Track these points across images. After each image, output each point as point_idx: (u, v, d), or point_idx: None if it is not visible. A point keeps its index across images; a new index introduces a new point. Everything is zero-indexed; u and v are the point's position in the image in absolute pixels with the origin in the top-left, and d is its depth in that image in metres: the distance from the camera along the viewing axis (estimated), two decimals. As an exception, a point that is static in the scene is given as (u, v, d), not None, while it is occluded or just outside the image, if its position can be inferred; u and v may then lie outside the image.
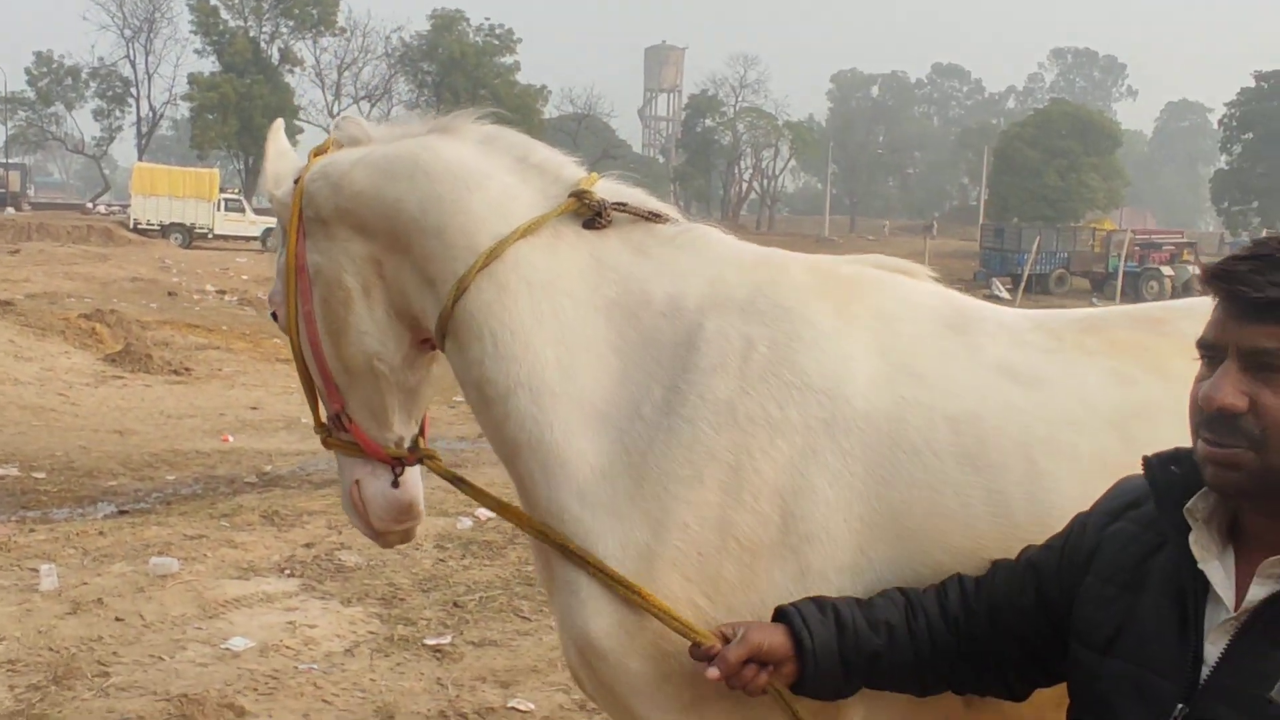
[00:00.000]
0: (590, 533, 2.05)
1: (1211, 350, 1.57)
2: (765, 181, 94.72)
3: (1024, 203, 69.09)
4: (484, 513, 8.07)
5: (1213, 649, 1.54)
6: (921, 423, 2.04)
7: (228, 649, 5.39)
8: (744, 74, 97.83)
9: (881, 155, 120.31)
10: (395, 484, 2.41)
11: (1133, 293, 36.58)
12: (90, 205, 66.73)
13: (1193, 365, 1.61)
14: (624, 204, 2.28)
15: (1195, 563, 1.59)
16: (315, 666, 5.25)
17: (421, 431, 2.49)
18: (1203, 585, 1.58)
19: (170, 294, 26.08)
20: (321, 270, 2.36)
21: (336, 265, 2.34)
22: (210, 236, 46.82)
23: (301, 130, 78.21)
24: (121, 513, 8.47)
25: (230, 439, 11.40)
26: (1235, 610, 1.53)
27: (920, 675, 1.91)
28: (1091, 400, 2.09)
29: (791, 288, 2.19)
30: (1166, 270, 41.31)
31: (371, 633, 5.70)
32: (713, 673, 1.86)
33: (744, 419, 2.03)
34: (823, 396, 2.05)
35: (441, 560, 6.92)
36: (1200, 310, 1.73)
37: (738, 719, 2.03)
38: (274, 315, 2.58)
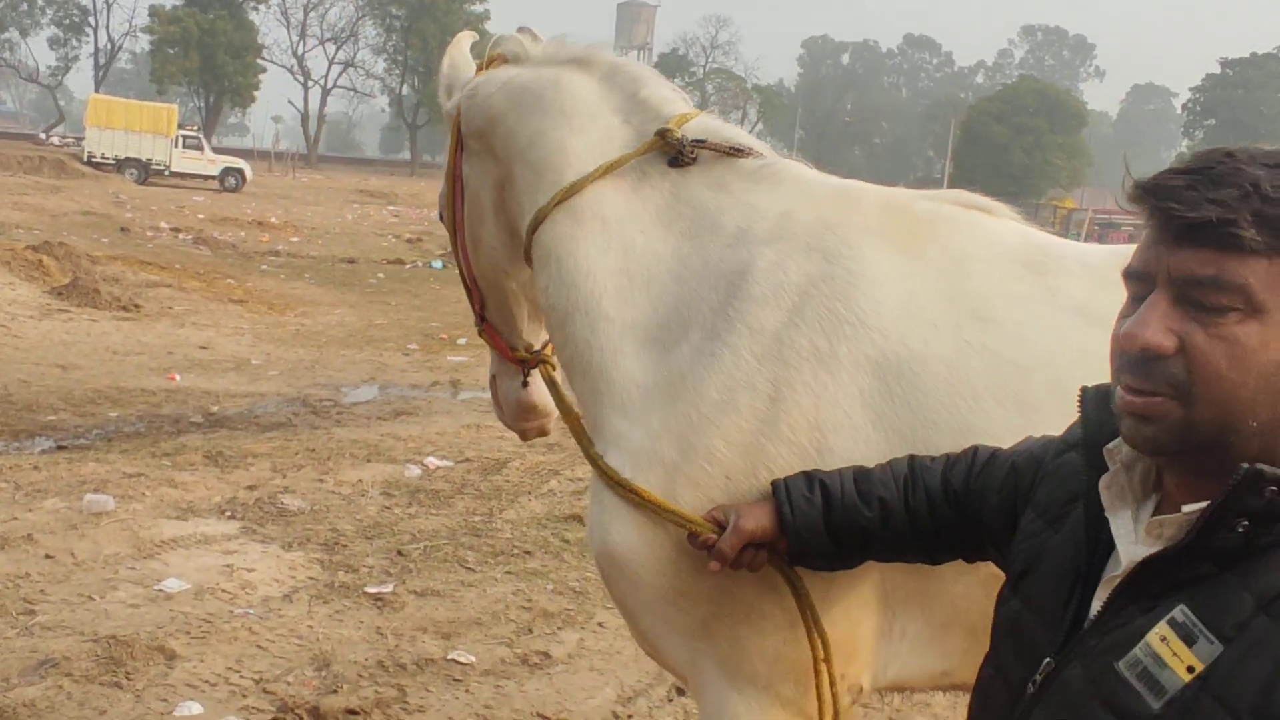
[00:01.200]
0: (618, 440, 2.08)
1: (1138, 280, 1.32)
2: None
3: (988, 178, 69.36)
4: (433, 461, 7.96)
5: (1096, 605, 1.39)
6: (985, 369, 1.98)
7: (161, 590, 5.24)
8: (715, 35, 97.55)
9: (849, 124, 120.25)
10: (524, 384, 2.73)
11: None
12: (43, 136, 65.08)
13: None
14: (703, 141, 2.31)
15: (1103, 510, 1.43)
16: (251, 611, 5.11)
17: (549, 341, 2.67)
18: (1108, 535, 1.42)
19: (123, 230, 25.51)
20: (469, 183, 2.62)
21: (478, 181, 2.58)
22: (167, 174, 45.78)
23: (264, 70, 76.93)
24: (59, 448, 8.25)
25: (177, 378, 11.15)
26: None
27: (925, 547, 1.85)
28: None
29: (860, 224, 2.15)
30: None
31: (311, 579, 5.57)
32: (714, 566, 1.88)
33: (789, 351, 2.00)
34: (876, 334, 2.00)
35: (387, 508, 6.79)
36: None
37: (751, 640, 2.01)
38: (440, 215, 2.84)
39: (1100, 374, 1.71)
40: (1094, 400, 1.51)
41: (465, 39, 2.84)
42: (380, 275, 21.86)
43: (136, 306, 15.22)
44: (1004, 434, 1.88)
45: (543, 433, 2.85)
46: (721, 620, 2.02)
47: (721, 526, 1.89)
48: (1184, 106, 76.97)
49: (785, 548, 1.89)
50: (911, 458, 1.88)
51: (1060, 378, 1.94)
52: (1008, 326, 2.02)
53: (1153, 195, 1.29)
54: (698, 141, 2.29)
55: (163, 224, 27.63)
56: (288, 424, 9.57)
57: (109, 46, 77.07)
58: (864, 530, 1.83)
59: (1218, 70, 71.38)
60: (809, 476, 1.88)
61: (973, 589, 1.98)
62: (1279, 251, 1.23)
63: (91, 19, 76.24)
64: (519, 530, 6.51)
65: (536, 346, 2.72)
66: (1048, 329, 2.03)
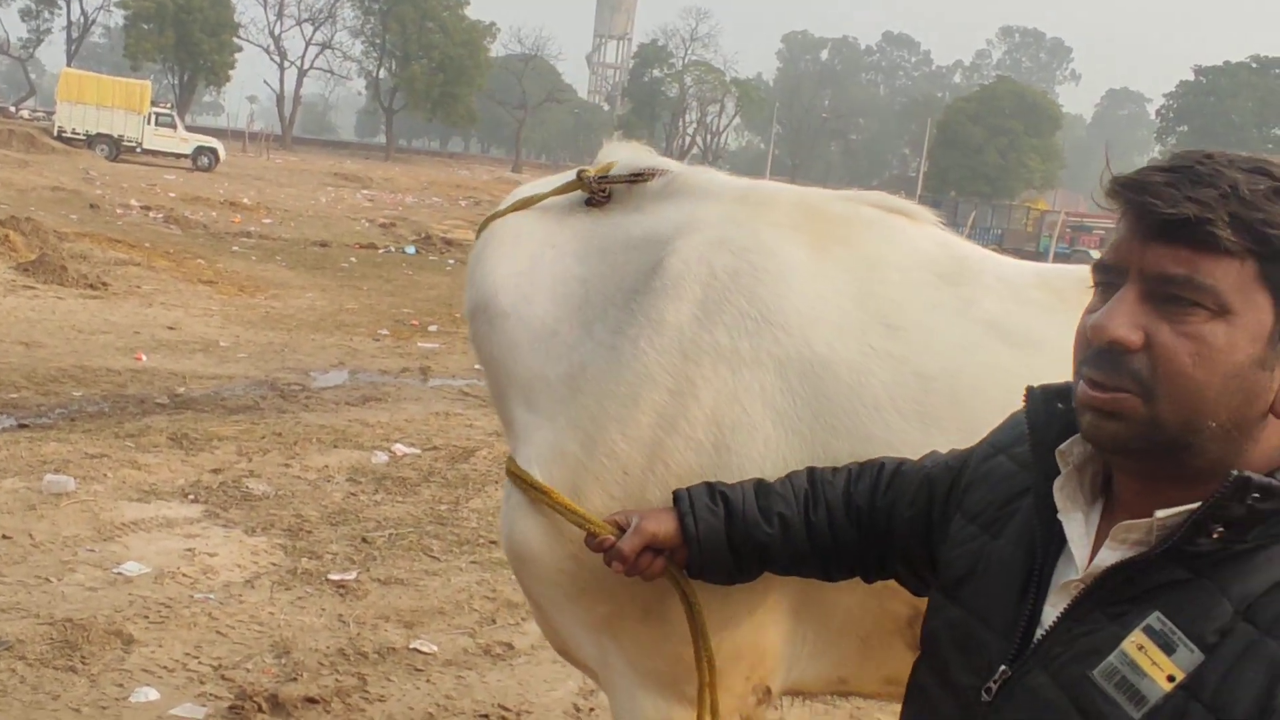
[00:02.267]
0: (525, 436, 2.08)
1: (1109, 274, 1.31)
2: (709, 137, 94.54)
3: (962, 177, 69.80)
4: (400, 448, 7.91)
5: (1051, 611, 1.36)
6: (889, 377, 1.95)
7: (120, 574, 5.17)
8: (695, 27, 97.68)
9: (826, 120, 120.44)
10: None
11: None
12: (13, 109, 64.12)
13: None
14: (606, 176, 2.29)
15: (1056, 511, 1.40)
16: (212, 596, 5.06)
17: None
18: (1058, 538, 1.40)
19: (92, 206, 25.19)
20: None
21: None
22: (139, 151, 45.26)
23: (240, 49, 76.22)
24: (21, 426, 8.12)
25: (143, 358, 11.02)
26: (1083, 573, 1.35)
27: (822, 564, 1.83)
28: None
29: (771, 221, 2.12)
30: (1095, 253, 41.48)
31: (274, 564, 5.52)
32: (616, 567, 1.86)
33: (690, 345, 1.97)
34: (780, 333, 1.97)
35: (353, 495, 6.74)
36: None
37: (653, 641, 2.00)
38: None
39: (1007, 390, 1.72)
40: (1041, 400, 1.50)
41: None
42: (353, 259, 21.69)
43: (104, 285, 15.03)
44: (902, 444, 1.87)
45: None
46: (625, 619, 2.01)
47: (622, 530, 1.87)
48: (1157, 112, 77.55)
49: (683, 558, 1.86)
50: (812, 471, 1.85)
51: (963, 391, 1.92)
52: (915, 335, 1.99)
53: (1132, 190, 1.29)
54: (602, 178, 2.28)
55: (133, 202, 27.31)
56: (255, 407, 9.47)
57: (82, 20, 76.12)
58: (763, 546, 1.81)
59: (1191, 78, 71.94)
60: (711, 488, 1.85)
61: (866, 599, 1.98)
62: (1251, 254, 1.23)
63: (65, -8, 75.24)
64: (485, 520, 6.48)
65: None
66: (956, 341, 2.00)
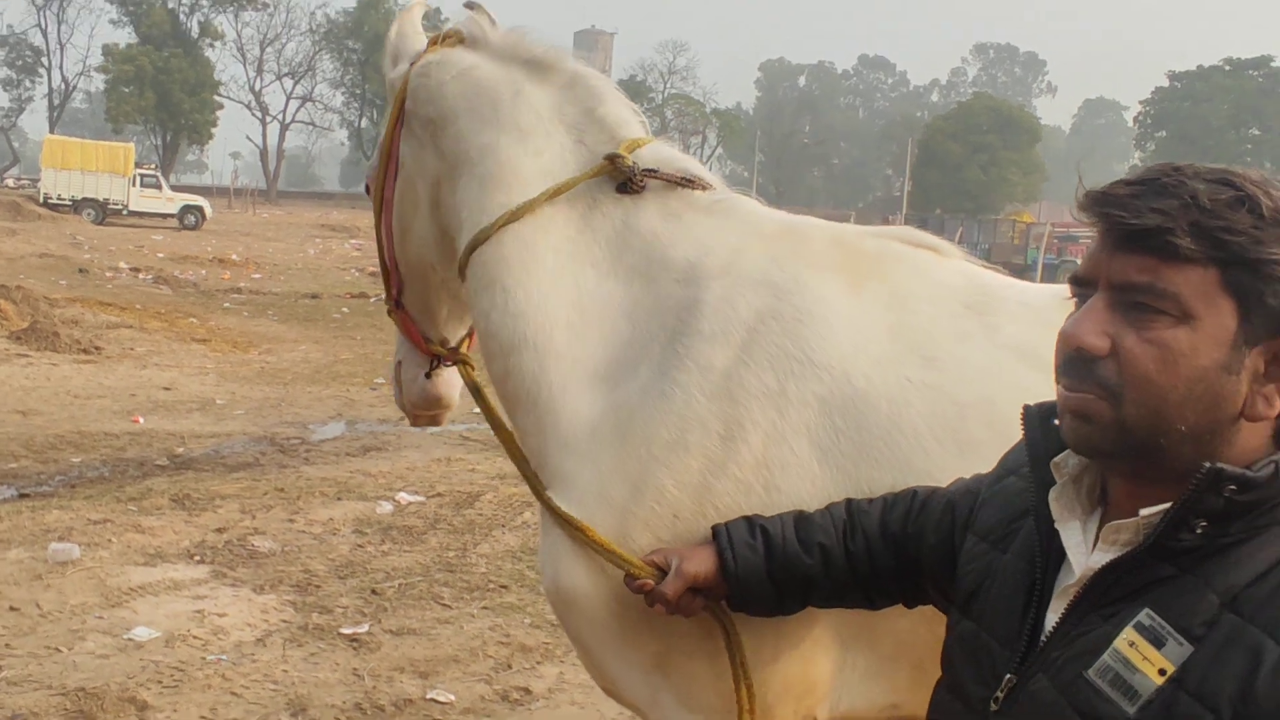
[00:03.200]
0: (565, 479, 2.06)
1: (1082, 286, 1.37)
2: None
3: (946, 195, 70.21)
4: (405, 496, 7.88)
5: (1052, 617, 1.41)
6: (926, 407, 1.99)
7: (130, 639, 5.13)
8: (673, 60, 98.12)
9: (807, 145, 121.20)
10: (428, 375, 2.64)
11: (1051, 283, 37.15)
12: (-2, 178, 64.37)
13: None
14: (655, 170, 2.26)
15: (1054, 522, 1.44)
16: (224, 657, 5.02)
17: (470, 336, 2.66)
18: (1058, 548, 1.44)
19: (81, 271, 25.22)
20: (405, 165, 2.50)
21: (415, 168, 2.48)
22: (125, 213, 45.38)
23: (221, 106, 76.61)
24: (22, 496, 8.09)
25: (141, 420, 11.00)
26: (1078, 576, 1.39)
27: (864, 592, 1.86)
28: None
29: (809, 260, 2.15)
30: (1083, 263, 41.92)
31: (284, 621, 5.48)
32: (659, 609, 1.87)
33: (738, 389, 1.99)
34: (823, 372, 2.00)
35: (360, 546, 6.71)
36: None
37: (704, 677, 2.00)
38: (366, 188, 2.71)
39: None
40: (1037, 418, 1.54)
41: (418, 9, 2.72)
42: (344, 310, 21.72)
43: (97, 349, 15.03)
44: (943, 471, 1.90)
45: (436, 422, 2.80)
46: (674, 656, 2.02)
47: (662, 570, 1.88)
48: (1135, 119, 78.21)
49: (725, 593, 1.88)
50: (849, 502, 1.88)
51: (998, 417, 1.95)
52: (949, 365, 2.03)
53: (1099, 203, 1.33)
54: (649, 170, 2.25)
55: (122, 264, 27.35)
56: (255, 464, 9.45)
57: (63, 87, 76.54)
58: (805, 577, 1.83)
59: (1166, 84, 72.58)
60: (750, 522, 1.87)
61: (917, 625, 1.98)
62: (1212, 261, 1.27)
63: (45, 59, 75.68)
64: (494, 564, 6.45)
65: (453, 342, 2.66)
66: (987, 368, 2.04)
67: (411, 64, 2.51)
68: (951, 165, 71.21)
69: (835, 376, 2.00)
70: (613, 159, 2.25)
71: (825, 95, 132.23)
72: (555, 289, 2.19)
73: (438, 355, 2.61)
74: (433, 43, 2.53)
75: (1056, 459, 1.46)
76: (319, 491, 7.99)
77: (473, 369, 2.57)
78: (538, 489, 2.13)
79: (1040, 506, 1.47)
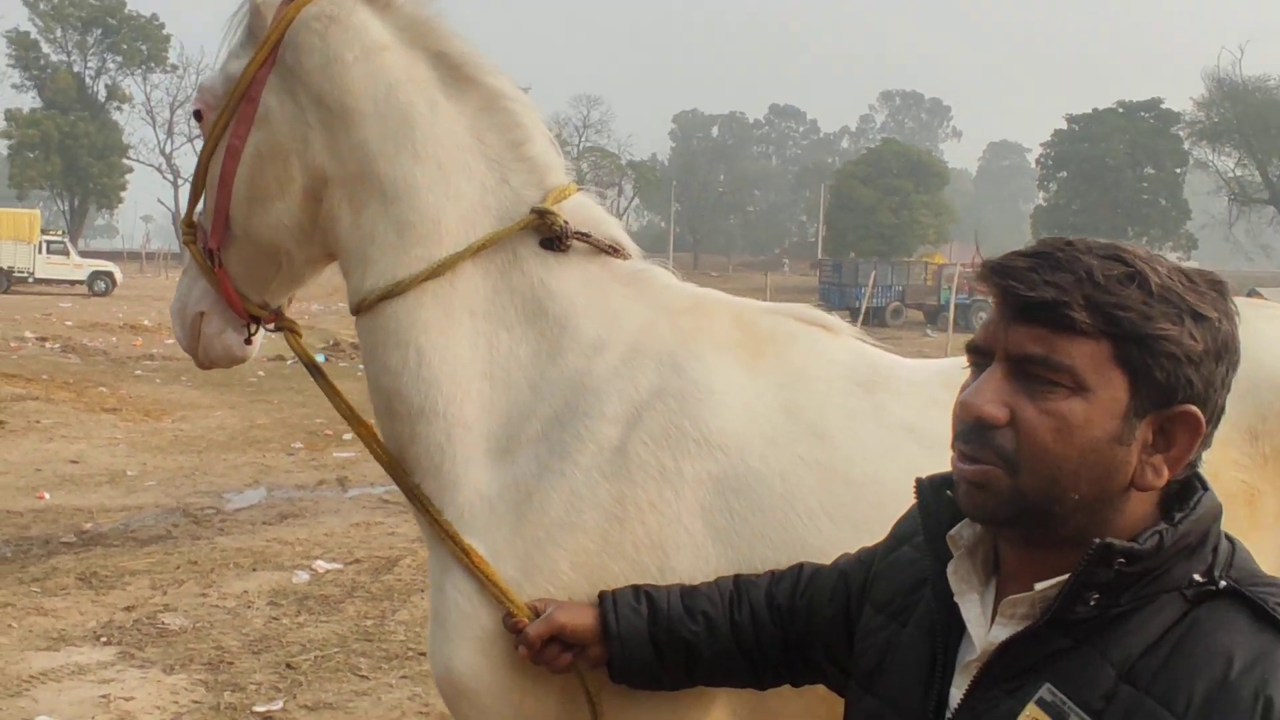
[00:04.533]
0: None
1: (979, 355, 1.40)
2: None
3: (860, 238, 71.41)
4: (321, 564, 7.73)
5: (956, 693, 1.42)
6: (818, 485, 2.00)
7: (32, 729, 4.95)
8: (587, 114, 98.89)
9: (723, 194, 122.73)
10: (248, 341, 2.43)
11: (964, 323, 37.98)
12: (-104, 249, 62.41)
13: None
14: (587, 235, 2.20)
15: (953, 595, 1.46)
16: (132, 743, 4.86)
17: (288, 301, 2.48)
18: (958, 620, 1.46)
19: (-16, 342, 24.51)
20: (272, 124, 2.21)
21: (289, 138, 2.20)
22: (31, 280, 44.26)
23: (131, 170, 75.38)
24: (-82, 581, 7.78)
25: (46, 496, 10.65)
26: (979, 651, 1.40)
27: (750, 666, 1.86)
28: None
29: (710, 340, 2.15)
30: (995, 302, 42.87)
31: (195, 702, 5.33)
32: (522, 652, 1.88)
33: (636, 469, 1.98)
34: (719, 452, 2.01)
35: (275, 619, 6.56)
36: None
37: None
38: (197, 113, 2.36)
39: None
40: (930, 490, 1.56)
41: None
42: (260, 373, 21.33)
43: (1, 423, 14.57)
44: (836, 550, 1.91)
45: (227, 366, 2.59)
46: None
47: (539, 614, 1.89)
48: (1037, 161, 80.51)
49: (600, 654, 1.88)
50: (737, 576, 1.90)
51: (887, 495, 1.97)
52: (841, 443, 2.05)
53: (998, 274, 1.36)
54: (580, 234, 2.19)
55: (28, 333, 26.60)
56: (167, 536, 9.20)
57: (-37, 153, 74.76)
58: (688, 644, 1.84)
59: (1064, 126, 74.92)
60: (636, 589, 1.90)
61: (814, 705, 1.98)
62: (1105, 335, 1.31)
63: (-56, 126, 73.96)
64: (413, 631, 6.35)
65: (273, 306, 2.42)
66: (877, 447, 2.06)
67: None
68: (864, 209, 72.53)
69: (730, 456, 2.01)
70: (543, 215, 2.15)
71: (738, 144, 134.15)
72: (469, 355, 2.12)
73: (257, 318, 2.38)
74: None
75: (952, 532, 1.48)
76: (233, 563, 7.82)
77: (299, 336, 2.44)
78: (408, 488, 2.10)
79: (937, 580, 1.49)
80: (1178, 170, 69.28)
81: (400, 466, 2.15)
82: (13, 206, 55.04)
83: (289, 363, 23.14)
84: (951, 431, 1.41)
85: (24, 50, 68.93)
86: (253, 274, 2.34)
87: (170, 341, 26.61)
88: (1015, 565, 1.42)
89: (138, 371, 21.28)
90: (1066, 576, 1.32)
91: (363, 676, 5.66)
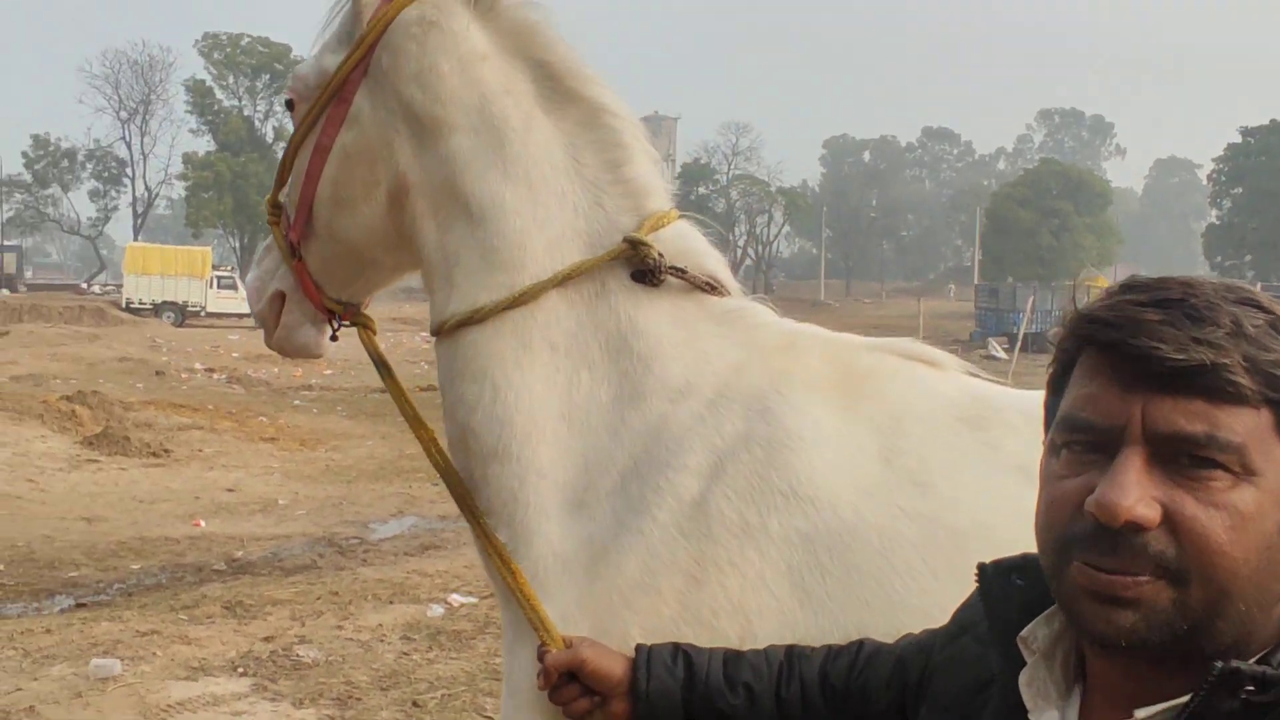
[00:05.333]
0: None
1: (1093, 434, 1.08)
2: (760, 247, 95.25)
3: (1018, 262, 69.38)
4: (457, 598, 7.70)
5: None
6: (919, 537, 1.77)
7: (165, 761, 4.99)
8: (736, 141, 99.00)
9: (875, 219, 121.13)
10: (334, 337, 2.37)
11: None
12: (85, 285, 66.76)
13: None
14: (683, 270, 2.02)
15: (1027, 712, 1.18)
16: (258, 779, 4.85)
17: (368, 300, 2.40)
18: None
19: (158, 373, 25.80)
20: (363, 125, 2.12)
21: (378, 142, 2.11)
22: (203, 314, 46.77)
23: (296, 207, 78.88)
24: (78, 606, 8.08)
25: (202, 524, 11.02)
26: None
27: None
28: None
29: (804, 381, 1.94)
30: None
31: (322, 738, 5.30)
32: (539, 681, 1.75)
33: (718, 526, 1.79)
34: (808, 505, 1.80)
35: (406, 654, 6.52)
36: None
37: None
38: (289, 102, 2.30)
39: None
40: (995, 576, 1.29)
41: None
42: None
43: (166, 451, 15.22)
44: (942, 610, 1.64)
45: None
46: None
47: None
48: (1209, 177, 76.84)
49: (624, 711, 1.70)
50: (791, 647, 1.68)
51: (1000, 544, 1.72)
52: (944, 489, 1.81)
53: (1119, 330, 1.06)
54: (675, 269, 2.01)
55: (197, 365, 27.94)
56: (312, 566, 9.38)
57: (146, 195, 79.42)
58: (724, 716, 1.64)
59: (1239, 140, 71.39)
60: (676, 647, 1.71)
61: None
62: (1267, 402, 1.03)
63: (129, 170, 78.81)
64: (543, 669, 6.22)
65: (352, 303, 2.32)
66: (986, 490, 1.81)
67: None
68: (1022, 232, 70.44)
69: (821, 510, 1.79)
70: (636, 246, 1.99)
71: (890, 168, 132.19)
72: (546, 393, 1.97)
73: (334, 313, 2.29)
74: None
75: (1024, 633, 1.21)
76: (372, 594, 7.86)
77: (374, 333, 2.32)
78: (469, 509, 1.98)
79: (1006, 686, 1.22)
80: (1366, 184, 65.14)
81: (468, 496, 2.01)
82: (187, 244, 58.17)
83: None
84: (1052, 532, 1.11)
85: (200, 97, 72.99)
86: (333, 272, 2.26)
87: (329, 372, 27.54)
88: (1107, 679, 1.13)
89: (296, 401, 22.07)
90: (1178, 703, 1.03)
91: (487, 716, 5.54)
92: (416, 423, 2.12)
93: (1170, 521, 1.03)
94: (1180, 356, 1.02)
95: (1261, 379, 1.02)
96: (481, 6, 2.11)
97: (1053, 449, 1.13)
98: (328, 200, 2.18)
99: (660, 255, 1.99)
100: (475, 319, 2.00)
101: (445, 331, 2.06)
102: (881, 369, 2.01)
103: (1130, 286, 1.10)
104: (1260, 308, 1.06)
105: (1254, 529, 1.02)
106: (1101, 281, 60.71)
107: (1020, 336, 34.75)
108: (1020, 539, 1.73)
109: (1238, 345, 1.03)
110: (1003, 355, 36.01)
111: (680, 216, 2.13)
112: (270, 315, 2.35)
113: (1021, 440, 1.87)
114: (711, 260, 2.10)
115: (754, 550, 1.77)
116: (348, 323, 2.33)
